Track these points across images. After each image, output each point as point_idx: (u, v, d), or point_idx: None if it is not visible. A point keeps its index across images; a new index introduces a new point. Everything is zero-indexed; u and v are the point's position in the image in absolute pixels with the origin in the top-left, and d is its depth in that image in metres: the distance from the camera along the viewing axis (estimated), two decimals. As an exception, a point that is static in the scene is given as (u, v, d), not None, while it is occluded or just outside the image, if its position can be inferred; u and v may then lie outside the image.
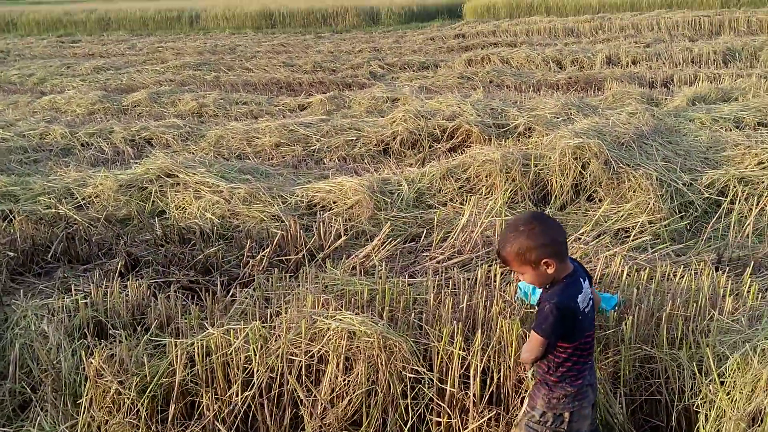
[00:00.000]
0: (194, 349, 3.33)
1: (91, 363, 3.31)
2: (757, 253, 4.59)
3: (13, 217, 5.80)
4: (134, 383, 3.26)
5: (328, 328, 3.24)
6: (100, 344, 3.43)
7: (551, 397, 2.60)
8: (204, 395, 3.27)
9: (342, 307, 3.49)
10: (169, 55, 20.11)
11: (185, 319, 3.65)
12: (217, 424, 3.22)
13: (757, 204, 5.27)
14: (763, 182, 5.46)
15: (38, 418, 3.39)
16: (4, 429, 3.44)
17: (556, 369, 2.58)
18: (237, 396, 3.24)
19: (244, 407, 3.25)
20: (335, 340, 3.21)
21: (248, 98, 11.77)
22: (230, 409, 3.25)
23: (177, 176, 6.41)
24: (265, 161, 7.91)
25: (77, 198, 6.29)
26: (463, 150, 7.48)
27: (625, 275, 3.73)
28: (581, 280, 2.57)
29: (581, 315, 2.52)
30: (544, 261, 2.51)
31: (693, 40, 17.45)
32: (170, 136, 8.84)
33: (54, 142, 8.90)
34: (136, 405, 3.23)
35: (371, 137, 8.24)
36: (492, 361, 3.16)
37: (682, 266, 4.02)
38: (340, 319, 3.26)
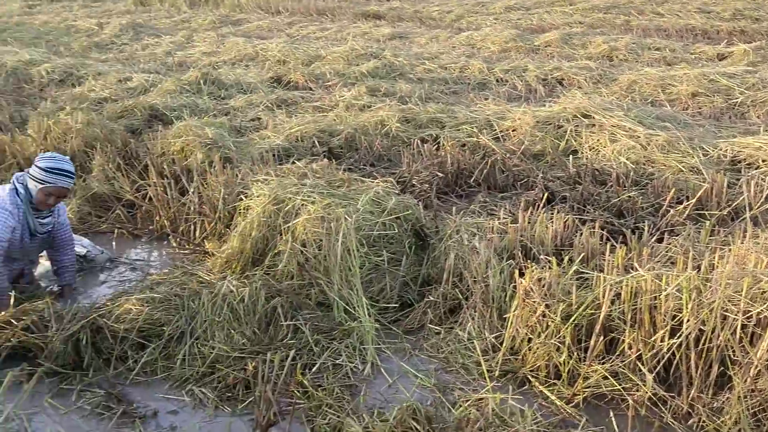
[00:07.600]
0: (621, 287, 3.34)
1: (521, 283, 3.51)
2: None
3: (441, 141, 6.32)
4: (559, 309, 3.38)
5: (776, 292, 3.02)
6: (531, 266, 3.62)
7: None
8: (627, 334, 3.27)
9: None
10: (575, -4, 19.89)
11: (612, 256, 3.66)
12: (639, 365, 3.22)
13: None
14: None
15: (468, 324, 3.72)
16: (437, 327, 3.84)
17: None
18: (662, 341, 3.19)
19: (668, 354, 3.19)
20: (783, 305, 2.98)
21: (661, 44, 11.22)
22: (653, 353, 3.22)
23: (593, 117, 6.40)
24: (680, 110, 7.53)
25: (496, 130, 6.63)
26: None
27: None
28: None
29: None
30: None
31: None
32: (582, 78, 8.84)
33: (472, 75, 9.45)
34: (560, 330, 3.36)
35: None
36: None
37: None
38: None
